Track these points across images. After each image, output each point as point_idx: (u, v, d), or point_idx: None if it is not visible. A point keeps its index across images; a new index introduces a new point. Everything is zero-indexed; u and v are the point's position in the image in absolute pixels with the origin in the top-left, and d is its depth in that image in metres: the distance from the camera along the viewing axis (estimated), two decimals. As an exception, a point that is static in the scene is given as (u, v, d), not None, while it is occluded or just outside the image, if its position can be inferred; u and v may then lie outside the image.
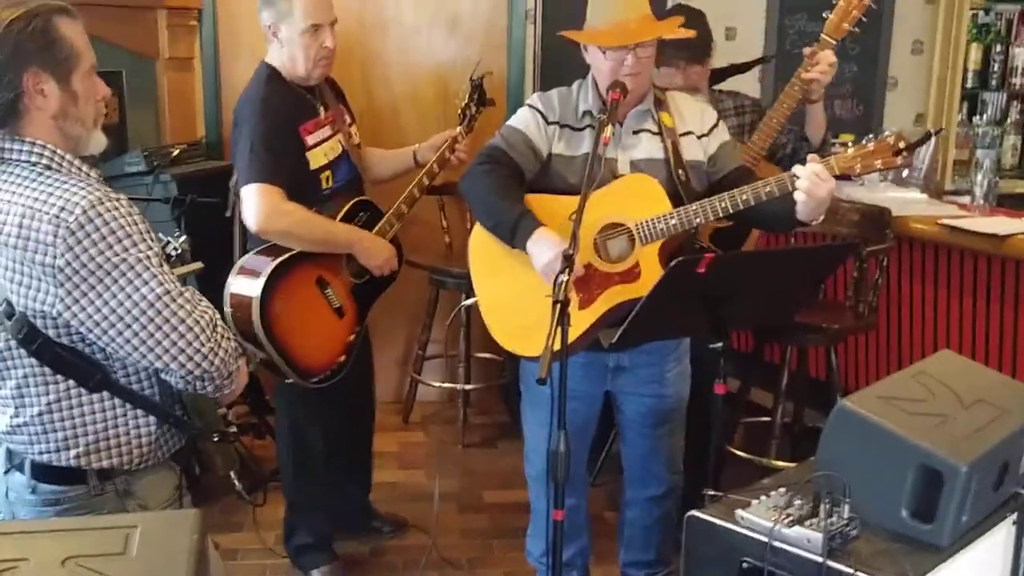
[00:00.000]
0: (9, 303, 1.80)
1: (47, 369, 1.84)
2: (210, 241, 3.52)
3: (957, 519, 1.91)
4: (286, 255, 2.91)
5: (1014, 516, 2.13)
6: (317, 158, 3.03)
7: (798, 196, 2.41)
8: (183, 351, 1.82)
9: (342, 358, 3.06)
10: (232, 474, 3.21)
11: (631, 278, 2.58)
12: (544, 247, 2.50)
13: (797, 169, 2.42)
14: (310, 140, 3.02)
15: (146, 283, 1.79)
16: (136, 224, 1.80)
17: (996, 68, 5.13)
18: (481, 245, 2.73)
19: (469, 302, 2.83)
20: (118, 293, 1.77)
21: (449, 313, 4.63)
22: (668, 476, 2.91)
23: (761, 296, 2.47)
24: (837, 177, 2.44)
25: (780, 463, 3.69)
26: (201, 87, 4.60)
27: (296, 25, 2.94)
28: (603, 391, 2.84)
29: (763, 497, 2.03)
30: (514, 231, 2.56)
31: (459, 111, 3.34)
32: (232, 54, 4.63)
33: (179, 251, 3.31)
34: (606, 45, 2.56)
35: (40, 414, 1.87)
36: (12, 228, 1.76)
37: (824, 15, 3.14)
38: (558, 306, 2.13)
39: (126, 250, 1.77)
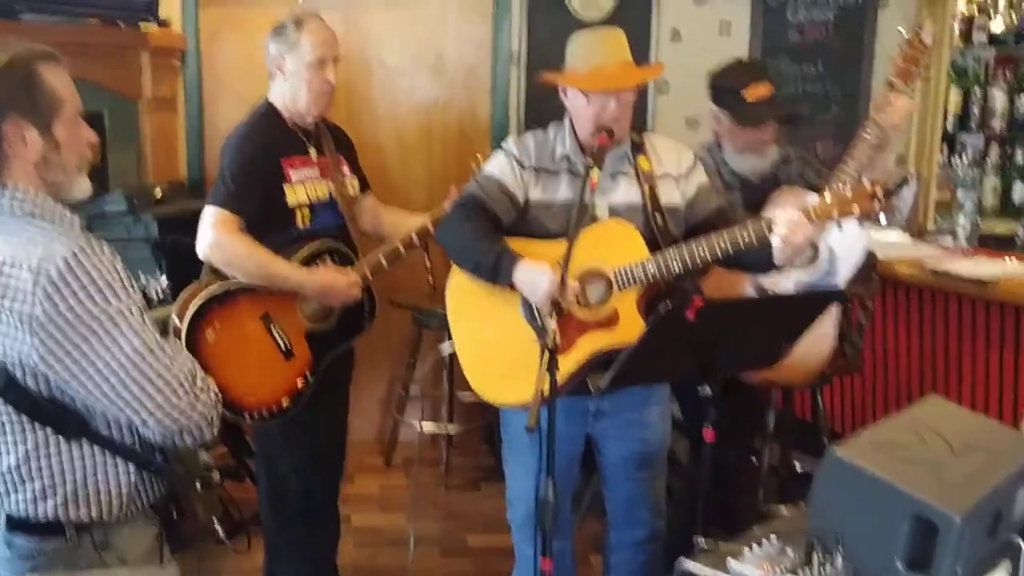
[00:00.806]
0: None
1: (24, 418, 1.80)
2: (191, 282, 3.47)
3: (952, 570, 1.88)
4: (231, 284, 2.91)
5: (1009, 565, 2.11)
6: (296, 194, 3.01)
7: (775, 241, 2.42)
8: (160, 406, 1.79)
9: (285, 402, 2.99)
10: (213, 519, 3.18)
11: (610, 325, 2.56)
12: (535, 275, 2.48)
13: (775, 215, 2.42)
14: (292, 175, 3.01)
15: (124, 336, 1.76)
16: (118, 274, 1.77)
17: (975, 110, 5.19)
18: (458, 293, 2.72)
19: (447, 350, 2.79)
20: (96, 345, 1.74)
21: (431, 354, 4.60)
22: (652, 520, 2.88)
23: (749, 341, 2.46)
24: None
25: (767, 506, 3.68)
26: (184, 127, 4.60)
27: (303, 58, 2.97)
28: (584, 433, 2.81)
29: (754, 546, 2.00)
30: (496, 270, 2.54)
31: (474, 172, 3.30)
32: (215, 95, 4.63)
33: (160, 293, 3.27)
34: (591, 90, 2.55)
35: (17, 464, 1.82)
36: None
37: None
38: (547, 354, 2.10)
39: (106, 301, 1.74)
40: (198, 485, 1.99)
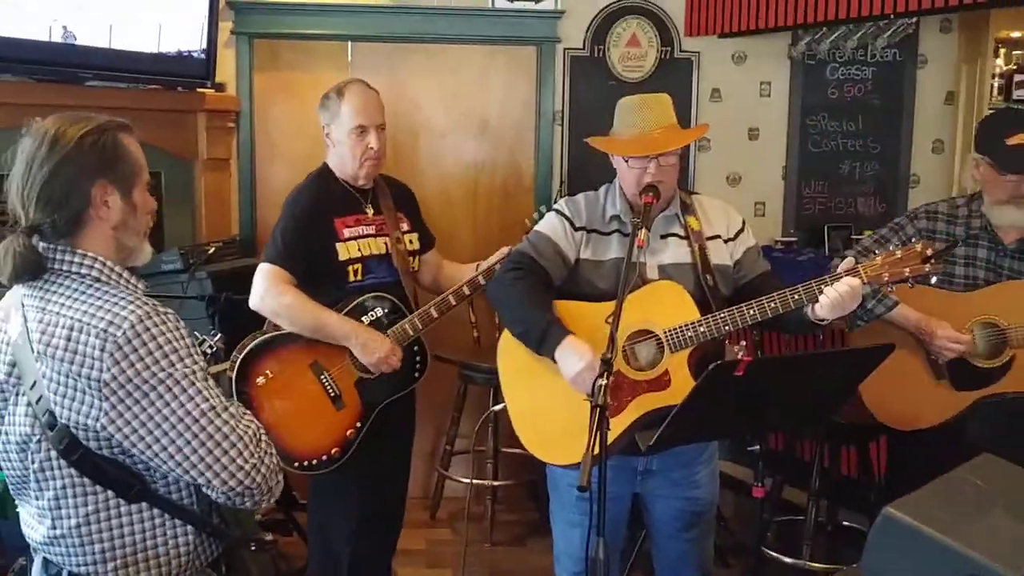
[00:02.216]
0: (52, 414, 1.80)
1: (86, 480, 1.83)
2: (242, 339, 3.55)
3: (1009, 632, 1.87)
4: (280, 331, 3.02)
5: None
6: (348, 251, 3.09)
7: (821, 299, 2.44)
8: (226, 468, 1.82)
9: (334, 451, 3.05)
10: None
11: (661, 386, 2.57)
12: (574, 357, 2.50)
13: (836, 284, 2.44)
14: (345, 232, 3.10)
15: (191, 399, 1.79)
16: (183, 339, 1.82)
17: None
18: (510, 352, 2.74)
19: (499, 407, 2.82)
20: (162, 408, 1.77)
21: (477, 408, 4.64)
22: (700, 578, 2.88)
23: (798, 398, 2.47)
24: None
25: (815, 564, 3.65)
26: (236, 187, 4.72)
27: (344, 126, 3.08)
28: (632, 492, 2.82)
29: (809, 606, 2.00)
30: (542, 340, 2.57)
31: (527, 230, 3.35)
32: (267, 155, 4.75)
33: (214, 349, 3.33)
34: (628, 155, 2.61)
35: (78, 525, 1.85)
36: (60, 340, 1.78)
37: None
38: (597, 410, 2.13)
39: (172, 365, 1.78)
40: (252, 547, 2.02)
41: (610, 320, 2.33)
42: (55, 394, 1.79)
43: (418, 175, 4.84)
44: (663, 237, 2.70)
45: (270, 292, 3.00)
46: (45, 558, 1.93)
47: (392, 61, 4.79)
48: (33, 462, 1.85)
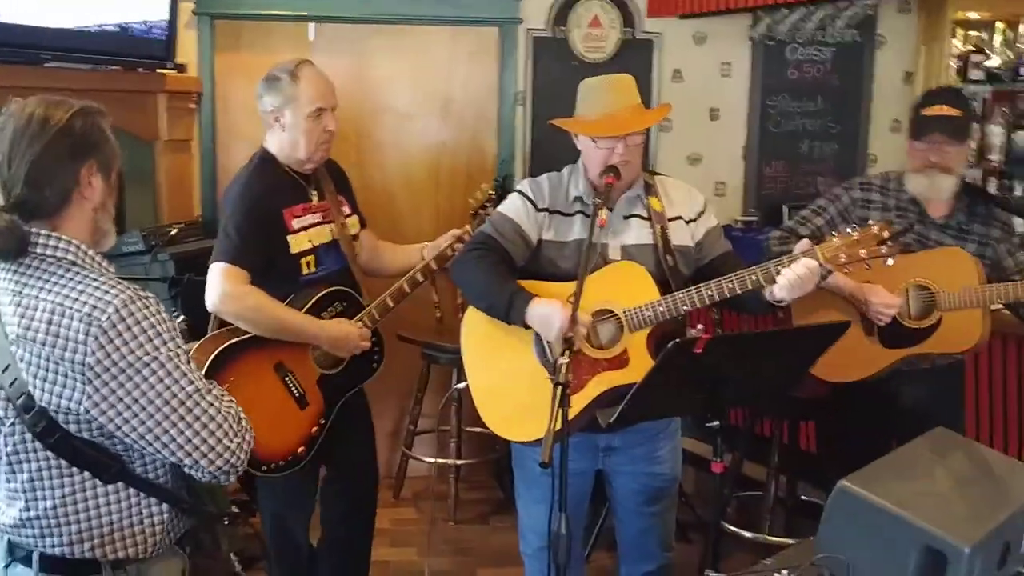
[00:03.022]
0: (28, 396, 1.80)
1: (63, 462, 1.83)
2: (207, 320, 3.52)
3: (961, 600, 1.92)
4: (242, 336, 2.90)
5: (1015, 596, 2.14)
6: (299, 242, 3.01)
7: (780, 281, 2.47)
8: (213, 448, 1.84)
9: (300, 449, 2.99)
10: (232, 554, 3.20)
11: (620, 364, 2.60)
12: (548, 313, 2.52)
13: (792, 265, 2.47)
14: (294, 224, 3.00)
15: (176, 381, 1.80)
16: (165, 322, 1.82)
17: (974, 145, 5.27)
18: (473, 331, 2.76)
19: (460, 386, 2.83)
20: (147, 392, 1.78)
21: (441, 388, 4.66)
22: (661, 553, 2.91)
23: (757, 375, 2.50)
24: None
25: (775, 538, 3.71)
26: (198, 168, 4.68)
27: (301, 109, 2.97)
28: (595, 468, 2.85)
29: (767, 579, 2.04)
30: (509, 308, 2.59)
31: (473, 210, 3.33)
32: (228, 136, 4.72)
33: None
34: (597, 136, 2.63)
35: (54, 507, 1.85)
36: (40, 324, 1.77)
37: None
38: (559, 388, 2.15)
39: (156, 348, 1.78)
40: (226, 521, 2.03)
41: (571, 299, 2.35)
42: (35, 377, 1.79)
43: (381, 156, 4.83)
44: (626, 218, 2.72)
45: (230, 295, 2.87)
46: (11, 541, 1.92)
47: (354, 42, 4.77)
48: (6, 445, 1.85)
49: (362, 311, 3.10)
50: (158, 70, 4.01)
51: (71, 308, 1.76)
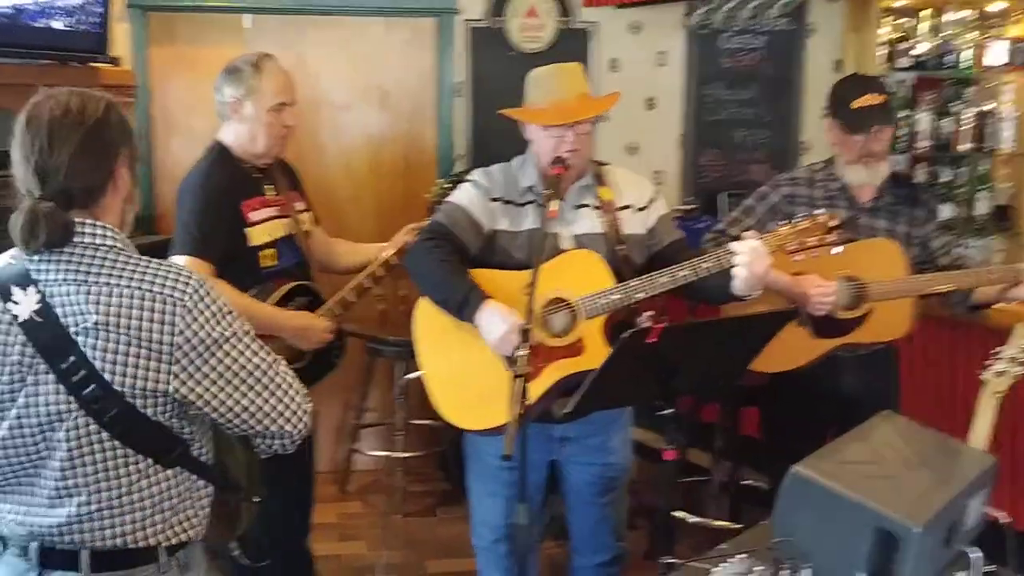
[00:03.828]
0: (101, 385, 1.78)
1: (128, 450, 1.83)
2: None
3: (912, 579, 1.98)
4: None
5: (962, 574, 2.21)
6: (258, 235, 3.01)
7: (736, 272, 2.51)
8: (295, 413, 1.93)
9: None
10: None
11: (575, 352, 2.63)
12: (495, 320, 2.54)
13: (735, 246, 2.51)
14: (252, 216, 3.00)
15: (255, 353, 1.89)
16: (226, 301, 1.89)
17: (902, 132, 5.39)
18: (426, 320, 2.76)
19: (414, 375, 2.83)
20: (232, 365, 1.85)
21: (384, 381, 4.65)
22: (615, 543, 2.96)
23: (708, 362, 2.54)
24: None
25: (720, 523, 3.78)
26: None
27: (263, 102, 2.96)
28: (549, 459, 2.87)
29: (724, 564, 2.07)
30: (462, 306, 2.60)
31: (430, 204, 3.32)
32: (165, 131, 4.64)
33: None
34: (547, 124, 2.64)
35: (119, 496, 1.84)
36: (121, 310, 1.77)
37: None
38: (518, 380, 2.17)
39: (231, 324, 1.86)
40: (255, 499, 2.08)
41: (526, 291, 2.37)
42: (113, 364, 1.78)
43: (319, 148, 4.79)
44: (577, 207, 2.75)
45: None
46: (47, 548, 1.86)
47: (290, 33, 4.71)
48: (68, 440, 1.81)
49: (323, 305, 3.08)
50: (91, 64, 3.91)
51: (150, 291, 1.79)
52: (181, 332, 1.80)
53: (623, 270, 2.68)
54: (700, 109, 5.14)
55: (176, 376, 1.81)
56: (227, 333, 1.85)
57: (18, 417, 1.80)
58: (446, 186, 3.29)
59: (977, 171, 5.43)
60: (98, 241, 1.82)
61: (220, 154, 3.04)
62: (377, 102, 4.87)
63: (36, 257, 1.80)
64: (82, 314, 1.78)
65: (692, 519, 3.89)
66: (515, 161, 2.83)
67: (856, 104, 3.11)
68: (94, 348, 1.78)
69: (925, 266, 3.19)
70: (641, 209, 2.79)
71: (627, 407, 2.91)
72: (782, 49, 5.17)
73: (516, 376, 2.19)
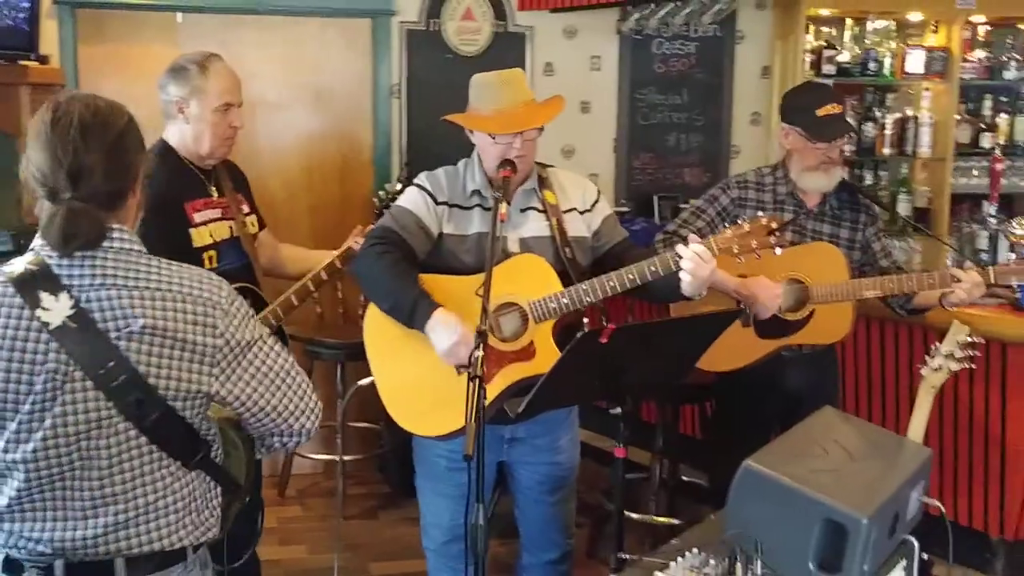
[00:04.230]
0: (144, 388, 1.76)
1: (163, 452, 1.83)
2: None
3: (861, 570, 2.05)
4: None
5: (904, 562, 2.30)
6: (201, 237, 2.97)
7: (683, 276, 2.56)
8: (313, 410, 1.98)
9: None
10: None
11: (527, 356, 2.64)
12: (445, 330, 2.54)
13: (680, 249, 2.55)
14: (196, 218, 2.96)
15: (279, 354, 1.93)
16: None
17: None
18: (377, 327, 2.74)
19: (366, 381, 2.81)
20: (261, 367, 1.89)
21: (324, 384, 4.61)
22: (564, 541, 2.98)
23: (656, 361, 2.59)
24: None
25: (660, 519, 3.85)
26: (62, 163, 4.47)
27: (209, 102, 2.92)
28: (498, 460, 2.89)
29: (679, 559, 2.11)
30: (412, 314, 2.59)
31: (379, 209, 3.30)
32: (93, 130, 4.52)
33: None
34: (496, 133, 2.66)
35: (155, 500, 1.83)
36: (159, 313, 1.77)
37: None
38: (476, 381, 2.18)
39: (256, 326, 1.91)
40: (248, 499, 2.11)
41: (480, 292, 2.38)
42: (156, 367, 1.77)
43: (253, 148, 4.74)
44: (523, 211, 2.76)
45: None
46: (72, 565, 1.81)
47: (222, 33, 4.65)
48: (108, 447, 1.77)
49: (265, 308, 3.04)
50: (20, 62, 3.82)
51: (191, 294, 1.81)
52: (221, 334, 1.82)
53: (570, 273, 2.71)
54: (634, 113, 5.22)
55: (216, 377, 1.83)
56: (255, 335, 1.88)
57: (53, 427, 1.75)
58: (397, 190, 3.29)
59: (898, 175, 5.62)
60: (127, 245, 1.81)
61: (164, 153, 2.98)
62: (312, 102, 4.85)
63: (66, 261, 1.75)
64: (125, 318, 1.75)
65: (634, 516, 3.94)
66: (460, 164, 2.84)
67: (822, 112, 3.16)
68: (139, 352, 1.76)
69: (866, 269, 3.28)
70: (585, 211, 2.83)
71: (574, 407, 2.94)
72: (713, 55, 5.29)
73: (472, 378, 2.20)
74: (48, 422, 1.74)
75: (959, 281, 2.99)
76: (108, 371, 1.74)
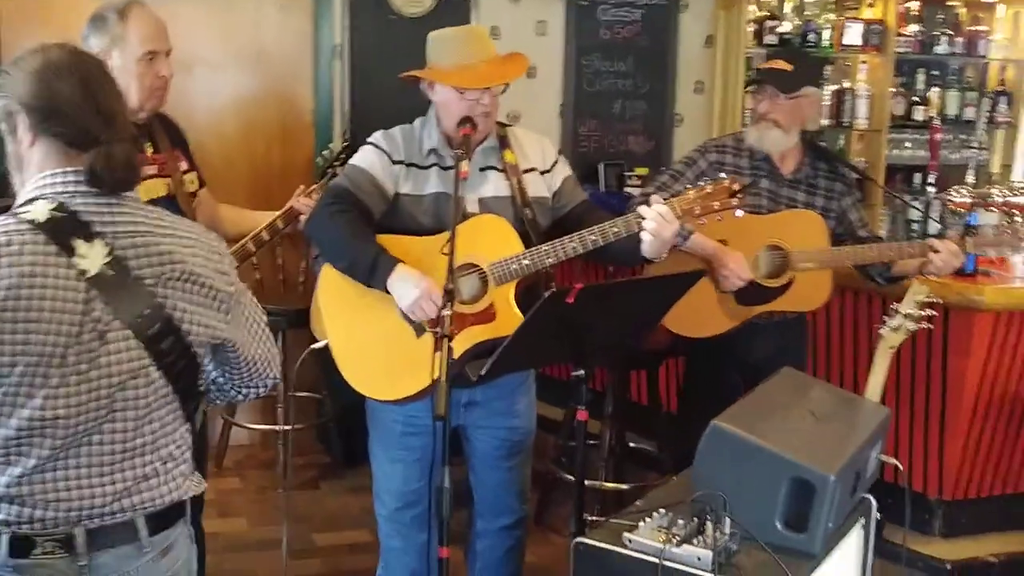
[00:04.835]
0: (178, 335, 1.75)
1: (180, 403, 1.81)
2: None
3: (826, 527, 2.06)
4: None
5: (863, 520, 2.32)
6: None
7: (644, 236, 2.53)
8: (277, 361, 2.03)
9: None
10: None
11: (486, 318, 2.60)
12: (408, 284, 2.50)
13: (643, 210, 2.53)
14: None
15: (257, 304, 1.98)
16: None
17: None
18: (333, 288, 2.68)
19: (319, 345, 2.73)
20: (251, 314, 1.94)
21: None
22: (519, 506, 2.96)
23: (619, 323, 2.56)
24: None
25: (609, 484, 3.85)
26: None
27: (131, 52, 2.77)
28: (454, 425, 2.84)
29: (647, 519, 2.10)
30: (372, 271, 2.53)
31: (322, 169, 3.21)
32: (17, 86, 4.32)
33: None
34: (466, 87, 2.59)
35: (174, 451, 1.81)
36: (190, 260, 1.77)
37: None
38: (444, 340, 2.14)
39: None
40: None
41: (445, 251, 2.33)
42: (189, 314, 1.76)
43: (189, 108, 4.57)
44: (482, 170, 2.71)
45: None
46: (92, 530, 1.71)
47: (158, -13, 4.48)
48: (140, 397, 1.72)
49: None
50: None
51: (207, 242, 1.84)
52: (231, 282, 1.86)
53: (530, 234, 2.67)
54: (579, 79, 5.18)
55: (229, 324, 1.85)
56: (242, 284, 1.92)
57: (98, 378, 1.67)
58: (341, 149, 3.20)
59: (835, 145, 5.68)
60: (135, 194, 1.79)
61: None
62: (251, 63, 4.71)
63: (93, 207, 1.69)
64: (161, 264, 1.73)
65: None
66: (416, 123, 2.77)
67: (760, 66, 3.25)
68: (174, 300, 1.74)
69: (843, 238, 3.28)
70: (545, 172, 2.78)
71: (531, 371, 2.91)
72: (657, 23, 5.26)
73: (441, 337, 2.15)
74: (94, 373, 1.67)
75: (937, 252, 3.02)
76: (145, 318, 1.70)
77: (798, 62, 3.27)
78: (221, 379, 1.98)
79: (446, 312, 2.18)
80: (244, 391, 2.02)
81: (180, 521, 1.85)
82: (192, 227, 1.86)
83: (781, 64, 3.18)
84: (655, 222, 2.50)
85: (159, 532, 1.79)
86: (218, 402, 2.07)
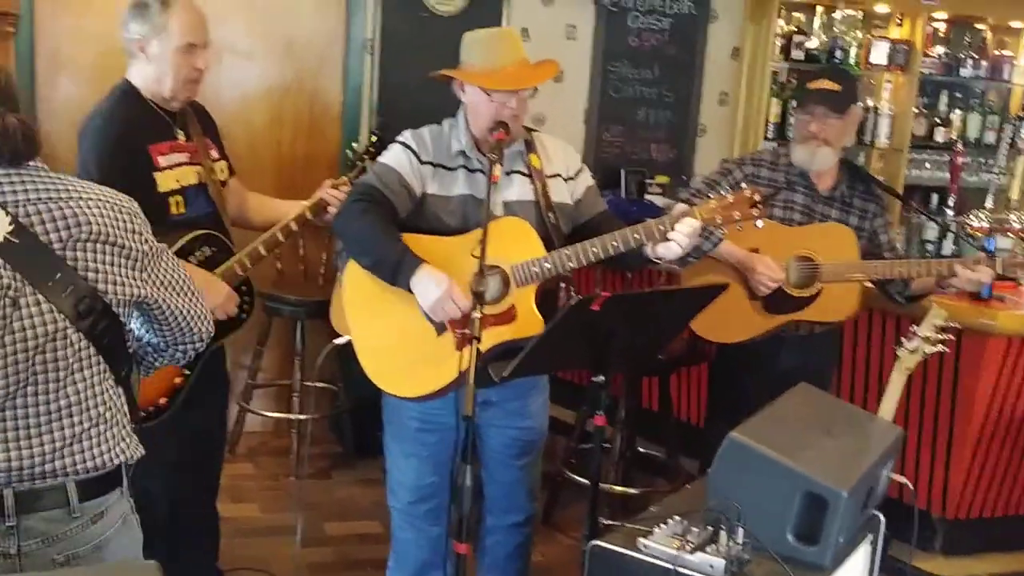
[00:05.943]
0: (94, 296, 1.78)
1: (107, 366, 1.84)
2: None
3: (837, 541, 2.10)
4: None
5: (870, 536, 2.36)
6: (166, 181, 2.87)
7: (671, 245, 2.56)
8: (207, 316, 2.06)
9: (163, 400, 2.87)
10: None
11: (507, 320, 2.63)
12: (431, 284, 2.53)
13: (677, 225, 2.56)
14: (161, 161, 2.86)
15: (177, 261, 2.01)
16: None
17: (792, 121, 5.60)
18: (357, 284, 2.71)
19: (341, 341, 2.77)
20: (171, 272, 1.97)
21: (283, 341, 4.57)
22: (529, 504, 3.01)
23: (644, 331, 2.60)
24: None
25: (618, 488, 3.90)
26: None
27: (170, 42, 2.81)
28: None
29: (662, 525, 2.14)
30: (396, 270, 2.57)
31: (351, 161, 3.24)
32: (50, 66, 4.38)
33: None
34: (497, 89, 2.63)
35: (100, 415, 1.84)
36: (97, 220, 1.79)
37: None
38: (473, 343, 2.18)
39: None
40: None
41: (476, 254, 2.38)
42: (103, 274, 1.80)
43: (219, 98, 4.62)
44: (508, 174, 2.74)
45: None
46: (21, 493, 1.75)
47: (193, -25, 4.52)
48: (59, 359, 1.76)
49: (232, 257, 2.98)
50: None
51: (117, 203, 1.86)
52: (146, 240, 1.89)
53: (553, 238, 2.70)
54: (605, 85, 5.21)
55: (146, 281, 1.89)
56: (161, 244, 1.96)
57: (13, 344, 1.72)
58: (371, 143, 3.23)
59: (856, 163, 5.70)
60: (39, 163, 1.81)
61: (126, 94, 2.88)
62: (282, 54, 4.75)
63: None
64: (67, 228, 1.76)
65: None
66: (445, 124, 2.79)
67: (810, 85, 3.26)
68: (85, 261, 1.78)
69: (871, 259, 3.31)
70: (569, 179, 2.82)
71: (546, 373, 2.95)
72: (685, 32, 5.29)
73: (470, 339, 2.19)
74: (8, 338, 1.72)
75: (972, 271, 3.06)
76: (55, 283, 1.75)
77: (844, 81, 3.30)
78: (155, 339, 2.00)
79: (476, 315, 2.22)
80: (181, 348, 2.05)
81: (116, 490, 1.88)
82: (103, 190, 1.87)
83: (829, 84, 3.21)
84: (688, 237, 2.54)
85: (91, 499, 1.83)
86: (158, 364, 2.09)
